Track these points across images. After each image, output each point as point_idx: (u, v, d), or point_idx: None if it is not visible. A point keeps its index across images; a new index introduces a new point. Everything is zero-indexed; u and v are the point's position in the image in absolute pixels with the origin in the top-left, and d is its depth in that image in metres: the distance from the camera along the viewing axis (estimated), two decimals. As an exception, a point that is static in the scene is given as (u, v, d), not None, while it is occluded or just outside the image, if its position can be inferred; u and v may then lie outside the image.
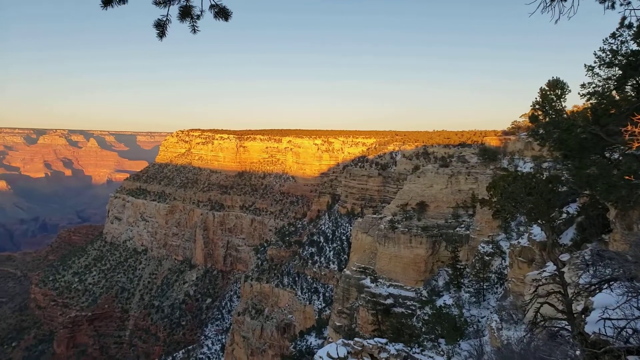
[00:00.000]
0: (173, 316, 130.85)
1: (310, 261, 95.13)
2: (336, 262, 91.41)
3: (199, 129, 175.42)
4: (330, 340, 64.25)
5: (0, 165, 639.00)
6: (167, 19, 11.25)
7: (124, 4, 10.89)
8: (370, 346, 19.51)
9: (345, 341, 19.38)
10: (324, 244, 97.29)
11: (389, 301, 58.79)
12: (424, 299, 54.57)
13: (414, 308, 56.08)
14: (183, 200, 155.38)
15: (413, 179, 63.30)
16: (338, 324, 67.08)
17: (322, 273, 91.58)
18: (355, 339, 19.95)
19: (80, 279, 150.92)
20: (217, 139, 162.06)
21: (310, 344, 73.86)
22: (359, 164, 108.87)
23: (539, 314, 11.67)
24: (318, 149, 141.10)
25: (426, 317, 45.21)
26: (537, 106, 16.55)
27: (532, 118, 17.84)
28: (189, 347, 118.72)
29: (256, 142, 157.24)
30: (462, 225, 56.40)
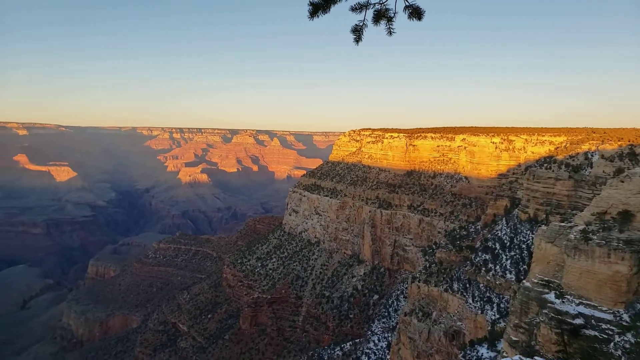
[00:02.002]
0: (342, 308, 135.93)
1: (483, 268, 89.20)
2: (513, 272, 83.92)
3: (370, 128, 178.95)
4: (504, 354, 59.18)
5: (203, 160, 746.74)
6: (363, 23, 11.16)
7: (327, 13, 11.11)
8: (556, 369, 17.20)
9: (523, 358, 17.48)
10: (500, 251, 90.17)
11: (578, 321, 51.47)
12: (624, 323, 46.46)
13: (610, 333, 48.16)
14: (353, 197, 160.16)
15: (614, 184, 54.28)
16: (514, 338, 61.38)
17: (497, 282, 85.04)
18: (535, 357, 17.86)
19: (262, 264, 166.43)
20: (386, 138, 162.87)
21: (482, 355, 69.23)
22: (545, 164, 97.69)
23: None
24: (496, 147, 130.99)
25: (628, 346, 38.54)
26: None
27: None
28: (356, 341, 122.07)
29: (427, 140, 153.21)
30: (682, 242, 46.37)
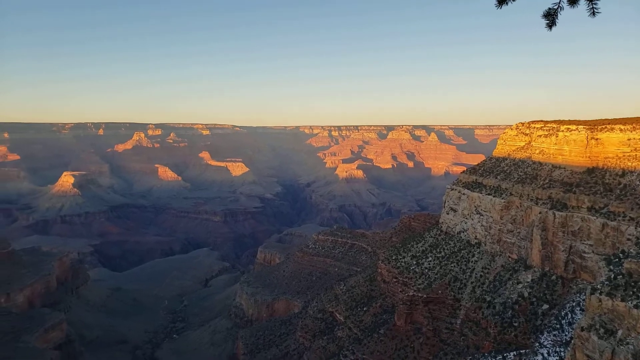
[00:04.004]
0: (505, 315, 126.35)
1: (690, 285, 74.17)
2: None
3: (542, 121, 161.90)
4: None
5: (359, 157, 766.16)
6: (558, 6, 9.54)
7: (514, 1, 9.74)
8: None
9: None
10: None
11: None
12: None
13: None
14: (520, 196, 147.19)
15: None
16: None
17: None
18: None
19: (417, 263, 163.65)
20: (562, 131, 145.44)
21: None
22: None
23: None
24: None
25: None
26: None
27: None
28: (521, 351, 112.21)
29: (614, 133, 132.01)
30: None
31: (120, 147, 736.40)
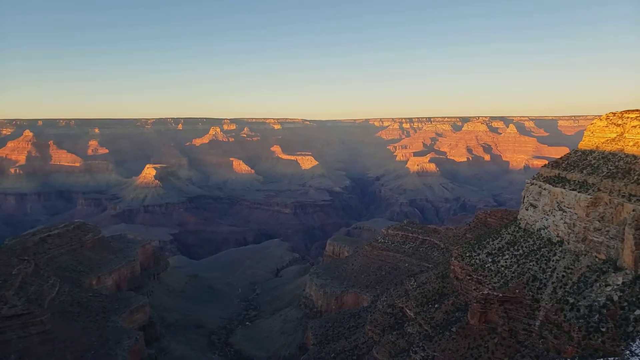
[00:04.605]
0: (590, 318, 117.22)
1: None
2: None
3: (637, 110, 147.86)
4: None
5: (432, 150, 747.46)
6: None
7: None
8: None
9: None
10: None
11: None
12: None
13: None
14: (609, 192, 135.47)
15: None
16: None
17: None
18: None
19: (493, 260, 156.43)
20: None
21: None
22: None
23: None
24: None
25: None
26: None
27: None
28: (609, 359, 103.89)
29: None
30: None
31: (197, 141, 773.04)
